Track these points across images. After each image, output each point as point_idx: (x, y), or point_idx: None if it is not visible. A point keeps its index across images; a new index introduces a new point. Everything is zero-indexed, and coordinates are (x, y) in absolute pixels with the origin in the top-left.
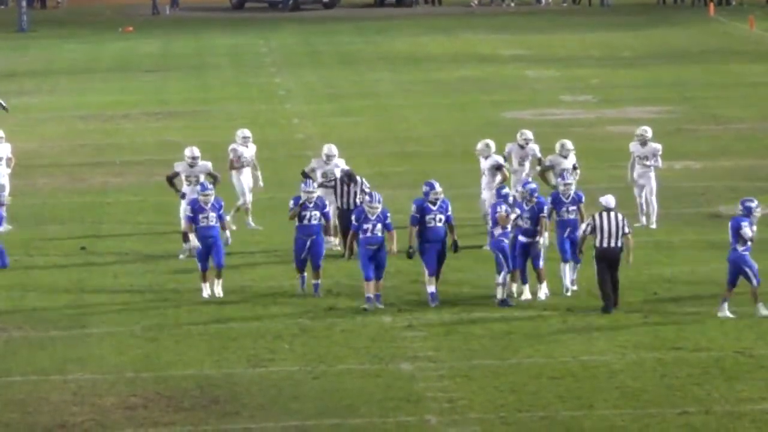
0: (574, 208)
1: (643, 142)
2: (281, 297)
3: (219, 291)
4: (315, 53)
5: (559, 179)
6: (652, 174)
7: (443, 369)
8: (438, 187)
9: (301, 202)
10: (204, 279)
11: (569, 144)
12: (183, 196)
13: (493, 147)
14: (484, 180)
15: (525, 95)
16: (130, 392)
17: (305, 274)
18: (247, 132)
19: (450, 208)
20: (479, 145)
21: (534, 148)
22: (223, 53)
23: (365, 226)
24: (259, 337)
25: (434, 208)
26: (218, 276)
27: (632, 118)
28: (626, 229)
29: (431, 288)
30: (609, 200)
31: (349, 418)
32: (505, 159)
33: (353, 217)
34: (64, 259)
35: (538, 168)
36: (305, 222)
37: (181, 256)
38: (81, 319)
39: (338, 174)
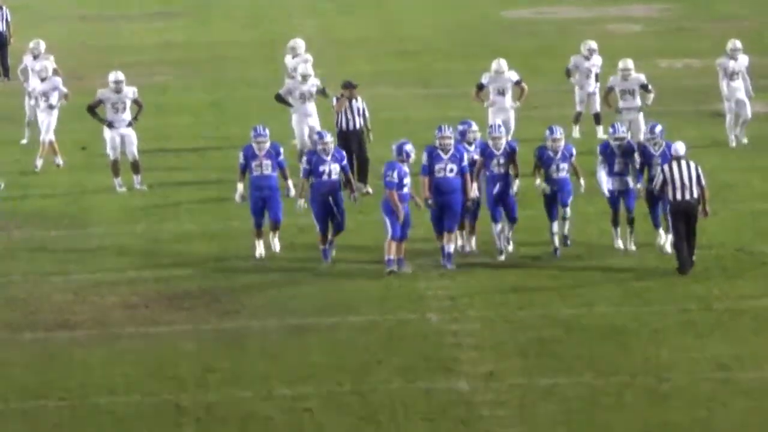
0: (505, 161)
1: (734, 57)
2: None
3: (276, 245)
4: None
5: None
6: (743, 88)
7: (444, 268)
8: (447, 131)
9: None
10: (258, 236)
11: (630, 63)
12: (110, 124)
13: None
14: (506, 99)
15: None
16: (131, 292)
17: (328, 247)
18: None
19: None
20: (494, 65)
21: (596, 61)
22: None
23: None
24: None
25: (445, 156)
26: (274, 229)
27: (633, 16)
28: (701, 180)
29: (445, 246)
30: (678, 148)
31: (348, 316)
32: (569, 72)
33: (385, 171)
34: (64, 160)
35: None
36: (324, 178)
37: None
38: (82, 219)
39: (314, 91)
